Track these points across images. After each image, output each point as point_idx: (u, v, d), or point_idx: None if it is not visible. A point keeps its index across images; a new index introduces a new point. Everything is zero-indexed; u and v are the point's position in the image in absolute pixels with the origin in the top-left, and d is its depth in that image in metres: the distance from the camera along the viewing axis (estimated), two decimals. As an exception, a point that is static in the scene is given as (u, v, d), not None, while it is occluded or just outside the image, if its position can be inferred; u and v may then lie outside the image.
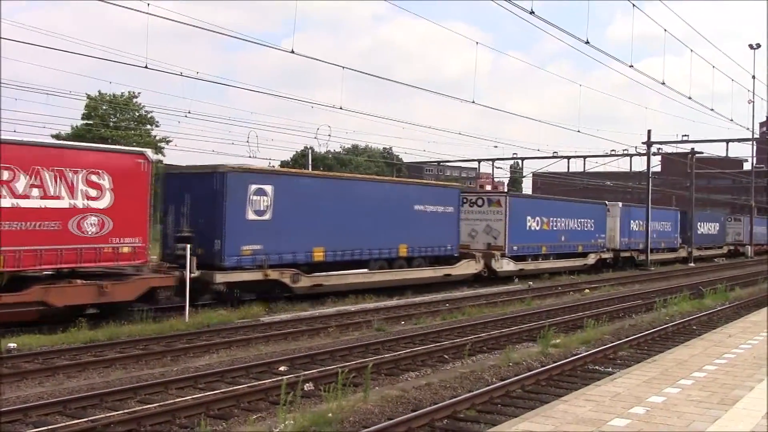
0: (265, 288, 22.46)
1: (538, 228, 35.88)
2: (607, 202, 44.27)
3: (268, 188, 22.44)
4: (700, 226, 58.89)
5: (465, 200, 33.52)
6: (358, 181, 28.91)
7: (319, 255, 23.99)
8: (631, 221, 46.32)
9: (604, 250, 42.30)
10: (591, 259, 40.61)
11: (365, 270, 25.83)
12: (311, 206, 23.71)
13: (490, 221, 33.65)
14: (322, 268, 24.20)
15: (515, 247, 33.75)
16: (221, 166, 21.75)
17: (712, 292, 26.64)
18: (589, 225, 40.39)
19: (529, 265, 35.08)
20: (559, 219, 37.65)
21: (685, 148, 55.06)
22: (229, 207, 21.16)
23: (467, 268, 30.54)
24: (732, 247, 67.02)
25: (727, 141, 51.15)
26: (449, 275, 29.58)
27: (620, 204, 45.28)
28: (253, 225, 21.88)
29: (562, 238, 37.77)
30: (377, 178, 30.18)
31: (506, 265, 32.97)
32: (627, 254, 45.78)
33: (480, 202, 34.45)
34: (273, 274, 22.14)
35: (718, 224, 63.86)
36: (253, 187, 22.00)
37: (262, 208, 22.19)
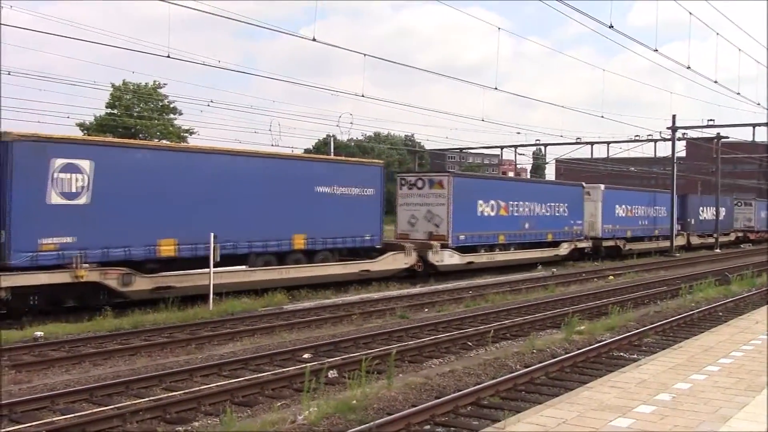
0: (81, 293, 18.09)
1: (493, 213, 31.22)
2: (584, 183, 39.70)
3: (85, 164, 17.77)
4: (703, 212, 54.39)
5: (403, 181, 29.94)
6: (226, 155, 22.07)
7: (168, 249, 19.34)
8: (617, 206, 41.68)
9: (582, 238, 37.52)
10: (564, 250, 35.80)
11: (243, 267, 21.31)
12: (154, 187, 19.20)
13: (432, 206, 29.09)
14: (180, 266, 19.71)
15: (462, 237, 29.27)
16: (5, 134, 16.80)
17: (739, 278, 26.34)
18: (561, 210, 35.75)
19: (481, 258, 30.50)
20: (521, 203, 32.92)
21: (711, 133, 54.31)
22: (16, 187, 16.53)
23: (393, 262, 26.10)
24: (741, 234, 62.25)
25: (754, 125, 50.37)
26: (368, 271, 25.05)
27: (602, 186, 40.78)
28: (58, 211, 17.32)
29: (526, 225, 33.11)
30: (259, 152, 24.45)
31: (448, 258, 28.37)
32: (610, 243, 40.75)
33: (420, 183, 29.65)
34: (90, 275, 17.48)
35: (724, 209, 58.09)
36: (59, 161, 17.30)
37: (74, 190, 17.58)
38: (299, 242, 23.01)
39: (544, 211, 34.56)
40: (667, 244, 46.82)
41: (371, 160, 29.37)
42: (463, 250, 29.24)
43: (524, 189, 35.06)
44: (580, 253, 37.93)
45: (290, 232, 22.71)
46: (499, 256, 31.62)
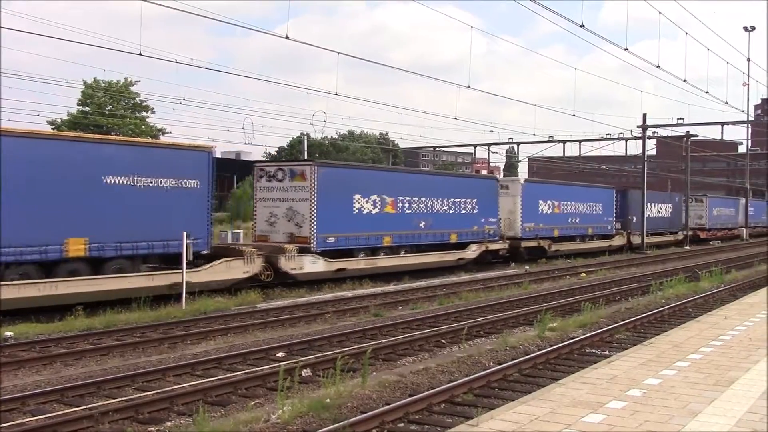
0: None
1: (376, 211, 26.73)
2: (499, 177, 35.98)
3: None
4: (648, 208, 49.49)
5: (262, 172, 25.54)
6: None
7: None
8: (541, 201, 37.29)
9: (496, 239, 33.01)
10: (472, 252, 31.21)
11: None
12: None
13: (293, 202, 24.46)
14: None
15: (331, 239, 24.66)
16: None
17: (708, 274, 26.69)
18: (469, 207, 31.28)
19: (357, 264, 25.71)
20: (415, 199, 28.49)
21: (681, 131, 55.03)
22: None
23: (225, 271, 21.18)
24: (691, 233, 57.47)
25: (722, 124, 51.15)
26: (181, 285, 19.50)
27: (522, 180, 37.85)
28: None
29: (422, 225, 28.64)
30: (14, 130, 17.97)
31: (310, 265, 23.65)
32: (532, 244, 36.31)
33: (280, 174, 24.91)
34: None
35: (671, 206, 54.31)
36: None
37: None
38: (76, 248, 18.07)
39: (446, 208, 30.08)
40: (602, 244, 43.17)
41: (194, 144, 22.34)
42: (333, 254, 24.90)
43: (419, 182, 30.26)
44: (493, 256, 33.83)
45: (62, 236, 17.82)
46: (384, 262, 26.87)
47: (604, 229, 43.89)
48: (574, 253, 39.30)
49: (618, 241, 45.13)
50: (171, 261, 20.11)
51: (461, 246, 30.88)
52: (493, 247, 32.77)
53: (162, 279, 19.54)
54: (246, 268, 21.82)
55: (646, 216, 48.28)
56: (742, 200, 70.18)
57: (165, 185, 19.97)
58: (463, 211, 31.11)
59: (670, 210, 53.65)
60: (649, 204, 49.44)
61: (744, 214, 68.40)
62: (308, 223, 24.08)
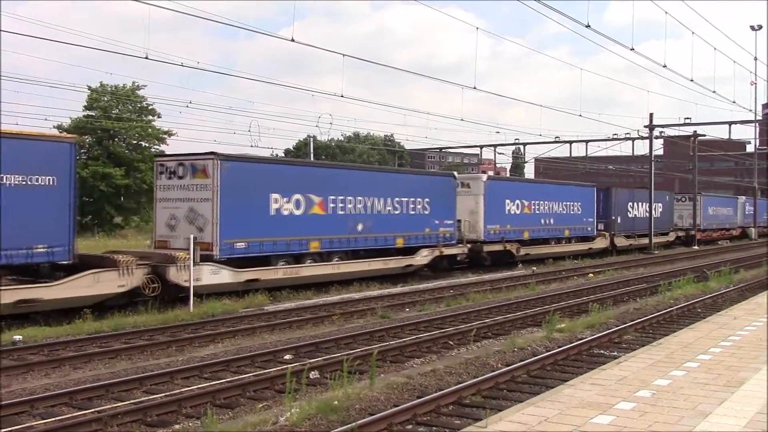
0: None
1: (299, 212, 23.25)
2: (456, 173, 32.20)
3: None
4: (632, 208, 46.54)
5: (162, 168, 22.05)
6: None
7: None
8: (508, 201, 33.91)
9: (453, 242, 29.74)
10: (422, 258, 27.99)
11: None
12: None
13: (195, 202, 21.15)
14: None
15: (240, 245, 21.32)
16: None
17: (717, 274, 26.60)
18: (420, 207, 28.07)
19: (273, 273, 22.24)
20: (349, 198, 25.11)
21: (688, 131, 54.90)
22: None
23: (91, 286, 17.81)
24: (682, 233, 54.80)
25: (730, 123, 51.00)
26: (33, 301, 16.79)
27: (485, 177, 33.92)
28: None
29: (359, 227, 25.32)
30: None
31: (210, 276, 20.23)
32: (497, 248, 32.75)
33: (181, 170, 21.49)
34: None
35: (661, 205, 50.56)
36: None
37: None
38: None
39: (390, 208, 26.90)
40: (581, 247, 39.76)
41: (49, 134, 17.95)
42: (245, 262, 21.65)
43: (356, 180, 26.41)
44: (451, 262, 30.85)
45: None
46: (310, 270, 23.49)
47: (584, 231, 40.48)
48: (547, 257, 36.19)
49: (599, 243, 41.60)
50: (26, 273, 17.59)
51: (410, 251, 27.74)
52: (449, 251, 29.54)
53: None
54: (122, 282, 18.48)
55: (630, 216, 45.79)
56: (741, 199, 67.85)
57: (9, 183, 16.60)
58: (412, 212, 27.90)
59: (660, 209, 50.18)
60: (634, 203, 46.74)
61: (743, 214, 66.39)
62: (211, 227, 20.70)
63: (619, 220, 44.28)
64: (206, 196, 20.91)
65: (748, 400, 7.97)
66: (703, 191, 60.04)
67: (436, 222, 28.88)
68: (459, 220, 30.56)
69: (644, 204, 47.89)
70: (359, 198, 25.59)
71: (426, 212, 28.52)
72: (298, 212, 23.32)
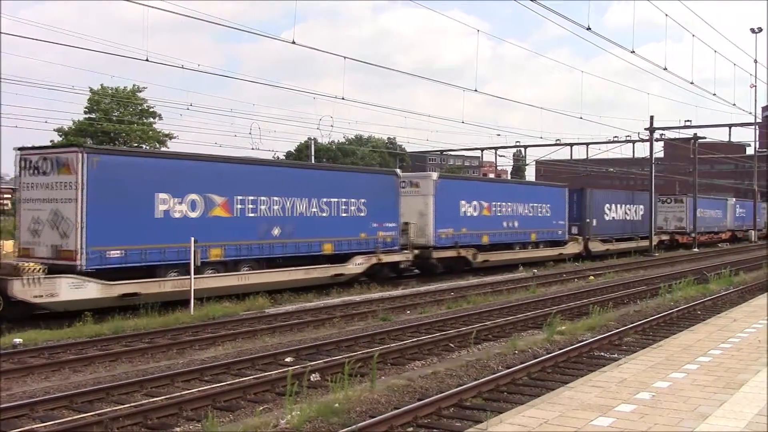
0: None
1: (195, 214, 20.30)
2: (399, 171, 29.78)
3: None
4: (610, 210, 43.39)
5: (25, 162, 18.93)
6: None
7: None
8: (463, 202, 31.14)
9: (394, 248, 26.95)
10: (356, 266, 25.25)
11: None
12: None
13: (59, 203, 18.16)
14: None
15: (114, 253, 18.41)
16: None
17: (717, 277, 26.59)
18: (354, 208, 25.27)
19: (158, 286, 19.35)
20: (262, 198, 22.24)
21: (688, 133, 54.90)
22: None
23: None
24: (667, 237, 51.61)
25: (730, 126, 51.01)
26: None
27: (434, 175, 30.33)
28: None
29: (275, 232, 22.40)
30: None
31: (70, 291, 17.48)
32: (450, 254, 30.01)
33: (45, 166, 18.53)
34: None
35: (641, 207, 47.49)
36: None
37: None
38: None
39: (315, 210, 23.87)
40: (551, 252, 37.02)
41: None
42: (124, 274, 18.77)
43: (270, 177, 23.24)
44: (393, 270, 27.76)
45: None
46: (206, 282, 20.30)
47: (553, 235, 37.56)
48: (510, 263, 33.52)
49: (572, 248, 38.65)
50: None
51: (342, 258, 24.99)
52: (389, 258, 26.65)
53: None
54: None
55: (607, 218, 42.94)
56: (731, 200, 65.55)
57: None
58: (344, 214, 24.97)
59: (640, 212, 47.14)
60: (613, 205, 43.88)
61: (733, 216, 63.67)
62: (75, 232, 17.73)
63: (594, 223, 41.51)
64: (70, 195, 17.89)
65: (748, 402, 7.97)
66: (702, 193, 59.79)
67: (375, 225, 26.13)
68: (407, 223, 28.24)
69: (624, 206, 45.29)
70: (275, 198, 22.65)
71: (362, 214, 25.68)
72: (193, 215, 20.30)
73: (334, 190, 24.80)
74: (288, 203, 23.07)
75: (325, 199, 24.32)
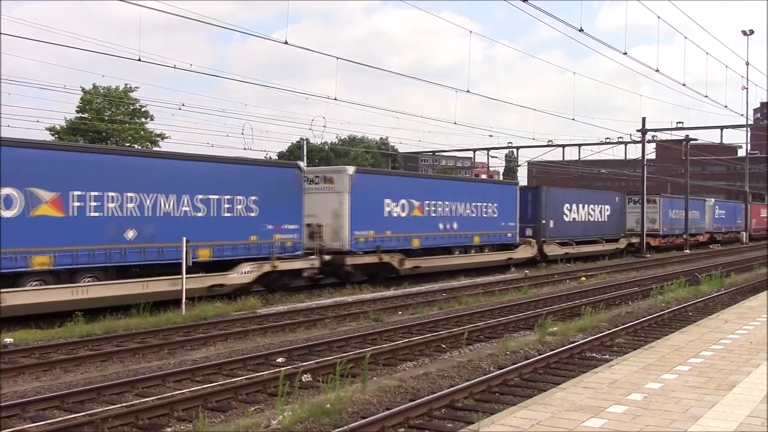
0: None
1: (11, 214, 16.96)
2: (302, 164, 26.77)
3: None
4: (570, 211, 39.82)
5: None
6: None
7: None
8: (389, 201, 27.56)
9: (297, 253, 23.68)
10: (240, 275, 21.69)
11: None
12: None
13: None
14: None
15: None
16: None
17: (708, 278, 26.68)
18: (241, 207, 21.80)
19: None
20: (111, 194, 18.85)
21: (680, 135, 55.06)
22: None
23: None
24: (636, 240, 47.88)
25: (722, 128, 51.14)
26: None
27: (351, 170, 26.43)
28: None
29: (129, 235, 19.06)
30: None
31: None
32: (371, 259, 26.53)
33: None
34: None
35: (609, 207, 43.86)
36: None
37: None
38: None
39: (186, 209, 20.34)
40: (498, 257, 33.44)
41: None
42: None
43: (122, 169, 19.44)
44: (296, 277, 24.23)
45: None
46: (23, 297, 16.96)
47: (502, 238, 33.94)
48: (447, 270, 30.28)
49: (523, 252, 35.18)
50: None
51: (225, 265, 21.55)
52: (287, 266, 23.06)
53: None
54: None
55: (567, 220, 39.38)
56: (710, 201, 62.51)
57: None
58: (228, 214, 21.48)
59: (607, 212, 43.69)
60: (574, 205, 40.26)
61: (711, 217, 60.95)
62: None
63: (551, 225, 37.92)
64: None
65: (739, 403, 7.99)
66: (693, 195, 59.85)
67: (270, 227, 22.61)
68: (320, 225, 25.15)
69: (587, 206, 41.60)
70: (130, 194, 19.20)
71: (252, 214, 22.16)
72: (9, 214, 16.86)
73: (214, 185, 21.15)
74: (148, 200, 19.61)
75: (200, 196, 20.78)
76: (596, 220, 42.48)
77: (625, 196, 48.67)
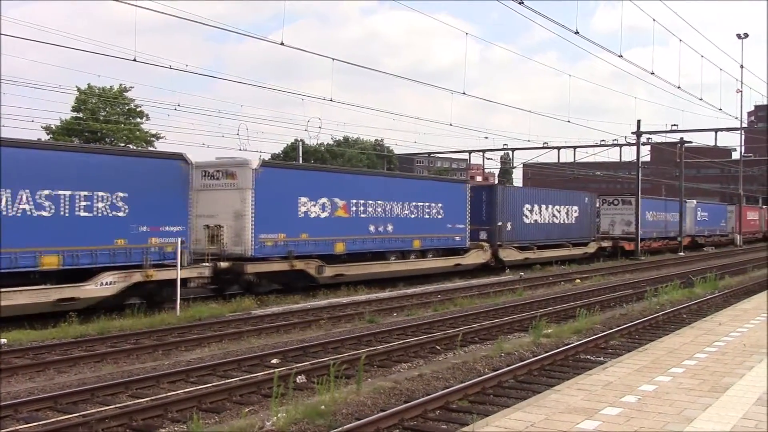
0: None
1: None
2: (188, 156, 20.68)
3: None
4: (531, 212, 36.53)
5: None
6: None
7: None
8: (304, 199, 24.07)
9: (190, 261, 20.16)
10: (97, 287, 18.21)
11: None
12: None
13: None
14: None
15: None
16: None
17: (702, 281, 26.73)
18: (103, 205, 18.39)
19: None
20: None
21: (674, 137, 55.17)
22: None
23: None
24: (608, 244, 45.03)
25: (716, 130, 51.26)
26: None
27: (255, 163, 22.93)
28: None
29: None
30: None
31: None
32: (281, 266, 23.00)
33: None
34: None
35: (577, 209, 40.60)
36: None
37: None
38: None
39: (26, 207, 17.01)
40: (444, 263, 30.09)
41: None
42: None
43: None
44: (169, 289, 19.50)
45: None
46: None
47: (448, 242, 30.63)
48: (378, 277, 26.73)
49: (474, 258, 31.86)
50: None
51: (80, 275, 18.13)
52: (164, 275, 19.38)
53: None
54: None
55: (527, 222, 36.20)
56: (691, 203, 59.24)
57: None
58: (84, 214, 18.07)
59: (575, 214, 40.51)
60: (535, 206, 37.08)
61: (693, 220, 57.82)
62: None
63: (509, 228, 34.63)
64: None
65: (733, 406, 8.01)
66: (687, 198, 59.77)
67: (144, 229, 19.27)
68: (220, 227, 22.12)
69: (552, 207, 38.32)
70: None
71: (119, 214, 18.78)
72: None
73: (65, 179, 17.79)
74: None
75: (46, 192, 17.33)
76: (562, 222, 39.50)
77: (596, 196, 46.27)
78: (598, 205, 46.73)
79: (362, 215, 26.37)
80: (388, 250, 27.67)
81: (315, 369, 12.25)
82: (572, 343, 14.92)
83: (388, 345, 14.88)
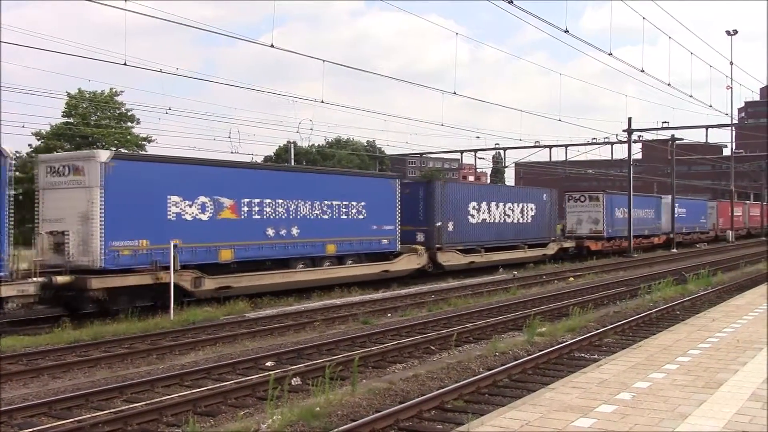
0: None
1: None
2: (6, 147, 17.52)
3: None
4: (478, 211, 33.02)
5: None
6: None
7: None
8: (174, 198, 20.61)
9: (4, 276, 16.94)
10: None
11: None
12: None
13: None
14: None
15: None
16: None
17: (695, 277, 26.81)
18: None
19: None
20: None
21: (666, 135, 55.32)
22: None
23: None
24: (571, 245, 41.66)
25: (707, 127, 51.43)
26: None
27: (103, 155, 19.28)
28: None
29: None
30: None
31: None
32: (141, 279, 19.33)
33: None
34: None
35: (533, 206, 37.23)
36: None
37: None
38: None
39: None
40: (368, 270, 26.53)
41: None
42: None
43: None
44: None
45: None
46: None
47: (372, 245, 27.07)
48: (281, 289, 23.17)
49: (405, 263, 28.29)
50: None
51: None
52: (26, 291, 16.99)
53: None
54: None
55: (473, 222, 32.56)
56: (666, 198, 56.21)
57: None
58: None
59: (531, 212, 37.12)
60: (482, 204, 33.41)
61: (669, 216, 54.75)
62: None
63: (450, 228, 31.06)
64: None
65: (727, 401, 8.03)
66: (679, 194, 59.78)
67: None
68: (65, 233, 18.82)
69: (503, 205, 34.86)
70: None
71: None
72: None
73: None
74: None
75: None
76: (516, 221, 35.88)
77: (560, 193, 43.83)
78: (568, 202, 45.54)
79: (257, 216, 22.87)
80: (292, 256, 24.13)
81: (310, 371, 12.25)
82: (566, 341, 14.95)
83: (382, 346, 14.89)
